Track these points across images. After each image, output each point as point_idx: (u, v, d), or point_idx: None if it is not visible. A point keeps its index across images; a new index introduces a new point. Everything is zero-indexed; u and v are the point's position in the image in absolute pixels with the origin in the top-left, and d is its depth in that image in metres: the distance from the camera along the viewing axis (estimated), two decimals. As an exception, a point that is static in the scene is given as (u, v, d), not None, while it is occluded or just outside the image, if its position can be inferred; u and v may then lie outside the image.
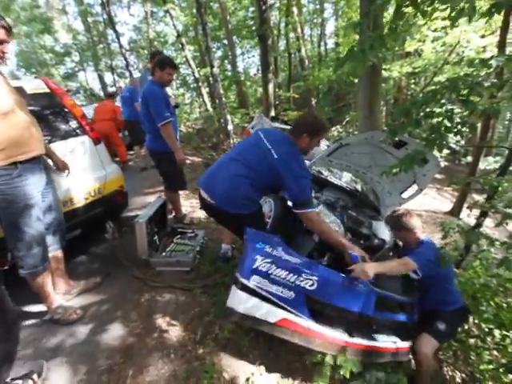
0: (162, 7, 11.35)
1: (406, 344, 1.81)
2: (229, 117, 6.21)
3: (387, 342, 1.70)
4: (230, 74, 13.65)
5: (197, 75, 9.76)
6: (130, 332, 1.75)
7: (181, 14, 12.82)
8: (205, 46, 9.68)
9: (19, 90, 2.56)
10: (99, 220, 2.42)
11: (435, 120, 1.85)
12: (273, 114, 6.79)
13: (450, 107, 1.79)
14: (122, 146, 5.28)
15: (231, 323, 1.75)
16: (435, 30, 6.02)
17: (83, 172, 2.32)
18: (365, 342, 1.60)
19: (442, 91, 1.73)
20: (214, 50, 10.81)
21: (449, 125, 1.67)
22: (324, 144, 4.11)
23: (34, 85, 2.63)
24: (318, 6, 14.03)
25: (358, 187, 3.41)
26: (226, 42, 13.55)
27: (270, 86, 6.79)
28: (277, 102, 9.21)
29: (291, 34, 12.70)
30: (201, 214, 3.27)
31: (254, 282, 1.35)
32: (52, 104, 2.41)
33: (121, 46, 14.69)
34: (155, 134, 2.52)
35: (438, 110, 1.85)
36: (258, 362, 1.61)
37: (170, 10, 11.00)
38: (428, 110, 1.85)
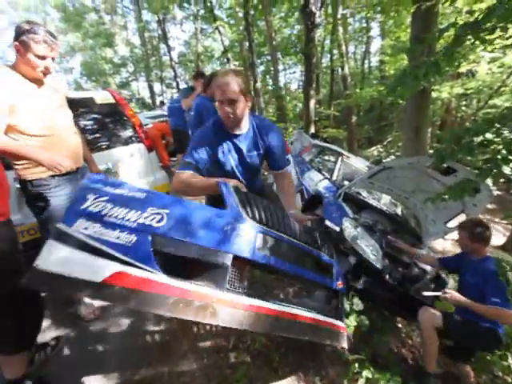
0: (213, 24, 12.11)
1: (331, 320, 1.33)
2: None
3: (292, 308, 1.18)
4: (271, 88, 14.01)
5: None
6: (167, 331, 1.86)
7: (229, 30, 13.54)
8: (249, 61, 10.11)
9: (90, 101, 2.92)
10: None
11: (491, 148, 1.77)
12: (313, 130, 6.83)
13: (510, 137, 1.70)
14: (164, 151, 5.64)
15: (262, 335, 1.78)
16: (492, 51, 5.72)
17: (137, 175, 2.54)
18: (251, 302, 1.03)
19: (501, 120, 1.66)
20: (257, 65, 11.19)
21: (509, 157, 1.59)
22: (363, 164, 4.03)
23: (102, 96, 2.98)
24: (364, 24, 14.01)
25: (398, 211, 3.29)
26: (269, 57, 14.01)
27: (312, 103, 6.85)
28: (316, 119, 9.23)
29: (335, 51, 12.78)
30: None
31: (79, 227, 0.93)
32: (116, 113, 2.69)
33: (171, 59, 15.78)
34: None
35: (493, 138, 1.77)
36: (287, 379, 1.62)
37: (219, 26, 11.70)
38: (481, 137, 1.77)
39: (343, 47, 10.52)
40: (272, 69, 13.59)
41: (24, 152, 1.51)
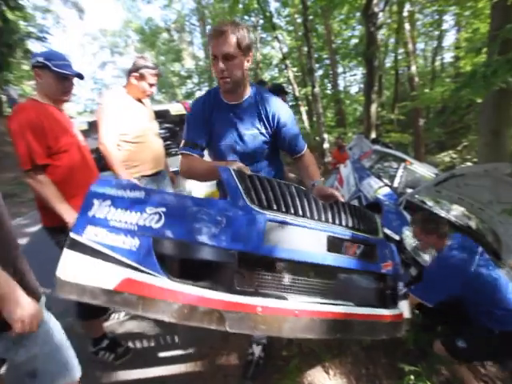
0: (272, 33, 12.48)
1: (376, 312, 1.16)
2: (326, 135, 6.32)
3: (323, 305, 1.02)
4: (329, 92, 13.76)
5: (297, 94, 10.25)
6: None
7: (287, 37, 13.78)
8: (308, 67, 10.15)
9: (166, 112, 3.35)
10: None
11: None
12: (374, 135, 6.54)
13: None
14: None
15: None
16: None
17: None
18: (263, 303, 0.91)
19: None
20: (315, 70, 11.14)
21: None
22: (430, 171, 3.74)
23: (176, 108, 3.40)
24: (436, 17, 12.82)
25: (472, 224, 2.99)
26: (328, 61, 13.80)
27: (373, 107, 6.58)
28: (378, 123, 8.78)
29: (400, 50, 11.97)
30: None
31: (89, 235, 0.91)
32: (187, 123, 3.06)
33: (232, 69, 16.49)
34: None
35: None
36: (338, 381, 1.65)
37: (278, 35, 11.99)
38: None
39: (410, 45, 9.82)
40: (331, 72, 13.37)
41: None
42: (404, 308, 1.32)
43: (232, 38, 1.13)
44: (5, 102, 11.00)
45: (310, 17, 9.80)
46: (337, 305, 1.05)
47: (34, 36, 10.43)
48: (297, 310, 0.94)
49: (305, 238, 1.03)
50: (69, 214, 1.46)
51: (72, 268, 0.89)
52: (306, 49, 10.52)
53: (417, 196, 2.87)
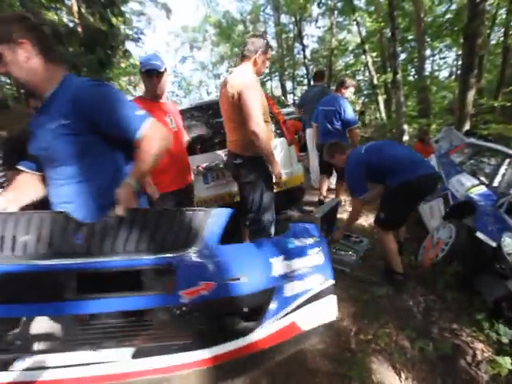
0: (351, 15, 11.67)
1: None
2: (405, 127, 5.73)
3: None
4: (412, 79, 12.33)
5: (375, 81, 9.48)
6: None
7: (368, 19, 12.71)
8: (390, 51, 9.23)
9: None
10: (280, 208, 2.97)
11: None
12: (467, 127, 5.65)
13: None
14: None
15: (386, 335, 1.77)
16: None
17: (280, 166, 2.91)
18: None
19: None
20: (398, 54, 10.06)
21: None
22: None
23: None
24: None
25: None
26: (413, 43, 12.30)
27: (470, 94, 5.63)
28: (473, 112, 7.51)
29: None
30: (364, 222, 3.31)
31: None
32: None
33: (304, 57, 16.25)
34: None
35: None
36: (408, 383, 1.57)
37: (357, 18, 11.17)
38: None
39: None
40: (416, 55, 11.90)
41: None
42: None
43: None
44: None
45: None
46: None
47: (131, 38, 11.90)
48: None
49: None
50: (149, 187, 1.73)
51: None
52: (389, 31, 9.56)
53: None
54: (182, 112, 2.79)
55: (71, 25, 10.23)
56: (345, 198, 3.86)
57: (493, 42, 11.87)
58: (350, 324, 1.90)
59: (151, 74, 1.86)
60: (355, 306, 2.06)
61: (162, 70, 1.88)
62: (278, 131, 2.93)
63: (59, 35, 8.36)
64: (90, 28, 9.54)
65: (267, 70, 22.83)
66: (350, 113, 3.37)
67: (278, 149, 2.86)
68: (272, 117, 3.01)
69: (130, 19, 14.16)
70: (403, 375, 1.61)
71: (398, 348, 1.73)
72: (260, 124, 1.84)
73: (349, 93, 3.56)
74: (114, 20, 10.87)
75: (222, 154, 2.69)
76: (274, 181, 2.12)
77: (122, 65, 13.95)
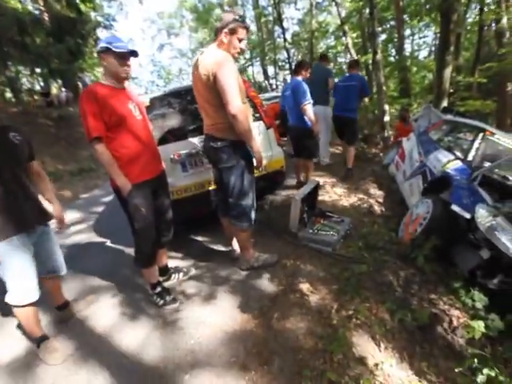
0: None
1: None
2: (386, 107, 5.77)
3: None
4: (392, 59, 12.35)
5: (355, 63, 9.42)
6: (276, 286, 2.14)
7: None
8: (369, 30, 9.17)
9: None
10: (260, 193, 2.95)
11: None
12: (445, 104, 5.73)
13: None
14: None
15: (366, 309, 1.81)
16: None
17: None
18: None
19: None
20: (378, 34, 10.01)
21: None
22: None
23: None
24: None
25: None
26: (392, 23, 12.26)
27: (447, 71, 5.68)
28: (451, 90, 7.61)
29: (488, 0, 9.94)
30: (346, 203, 3.35)
31: None
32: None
33: (285, 40, 15.94)
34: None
35: None
36: (389, 354, 1.62)
37: (337, -2, 10.97)
38: None
39: (502, -8, 8.09)
40: (396, 35, 11.88)
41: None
42: None
43: None
44: (80, 88, 12.39)
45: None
46: None
47: (102, 25, 11.33)
48: None
49: None
50: (118, 179, 1.74)
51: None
52: (368, 10, 9.46)
53: (497, 170, 2.50)
54: (154, 100, 2.69)
55: (37, 13, 9.63)
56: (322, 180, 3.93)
57: (470, 20, 11.97)
58: (332, 301, 1.94)
59: (125, 56, 1.73)
60: (337, 283, 2.10)
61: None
62: (257, 115, 2.88)
63: (24, 25, 7.86)
64: (57, 16, 9.01)
65: (247, 55, 22.28)
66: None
67: (256, 132, 2.82)
68: (249, 100, 2.95)
69: (99, 5, 13.44)
70: (382, 345, 1.67)
71: (378, 321, 1.78)
72: (239, 105, 1.78)
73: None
74: (82, 6, 10.30)
75: (196, 140, 2.62)
76: (254, 164, 2.08)
77: (95, 54, 13.32)
